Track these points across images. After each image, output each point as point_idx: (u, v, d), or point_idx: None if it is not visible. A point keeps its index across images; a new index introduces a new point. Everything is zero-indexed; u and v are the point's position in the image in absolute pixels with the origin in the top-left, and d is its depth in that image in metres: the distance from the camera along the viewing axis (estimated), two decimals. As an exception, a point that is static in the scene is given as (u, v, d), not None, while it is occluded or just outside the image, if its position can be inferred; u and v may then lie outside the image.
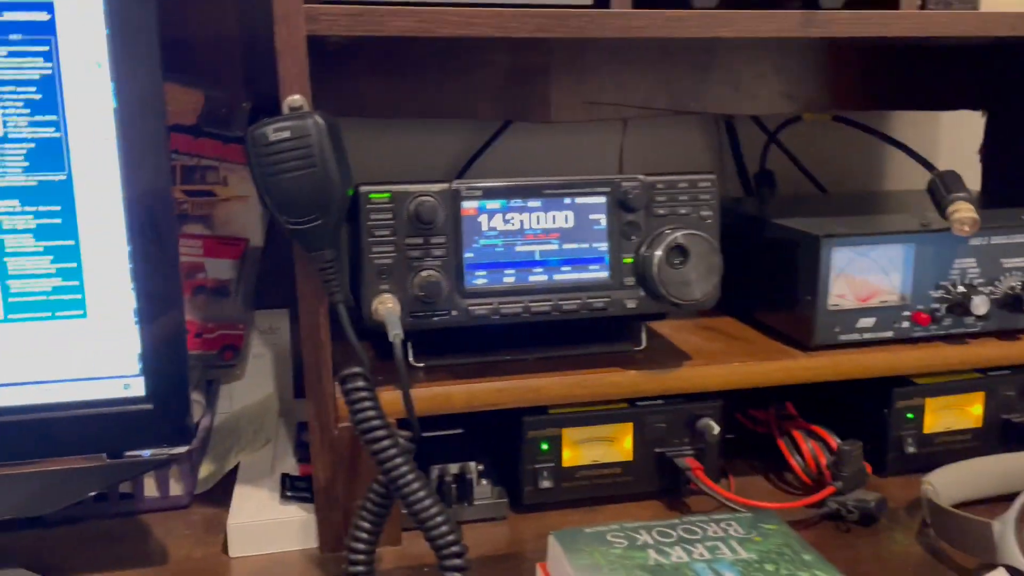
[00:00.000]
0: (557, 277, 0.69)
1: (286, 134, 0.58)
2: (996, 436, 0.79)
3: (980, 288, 0.75)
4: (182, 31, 0.82)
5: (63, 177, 0.56)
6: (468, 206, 0.67)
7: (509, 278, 0.68)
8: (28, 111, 0.55)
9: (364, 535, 0.61)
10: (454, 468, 0.72)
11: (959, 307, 0.75)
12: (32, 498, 0.62)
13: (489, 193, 0.67)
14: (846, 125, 0.95)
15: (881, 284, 0.75)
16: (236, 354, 0.85)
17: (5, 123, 0.55)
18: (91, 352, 0.59)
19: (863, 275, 0.74)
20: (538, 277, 0.68)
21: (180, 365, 0.60)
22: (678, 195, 0.69)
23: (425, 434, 0.62)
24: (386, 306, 0.64)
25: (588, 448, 0.73)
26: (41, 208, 0.56)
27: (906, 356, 0.75)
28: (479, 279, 0.67)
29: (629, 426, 0.74)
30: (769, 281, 0.80)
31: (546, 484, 0.72)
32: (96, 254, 0.58)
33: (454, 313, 0.67)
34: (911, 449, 0.77)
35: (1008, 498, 0.64)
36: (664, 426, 0.74)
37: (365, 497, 0.61)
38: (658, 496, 0.76)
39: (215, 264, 0.82)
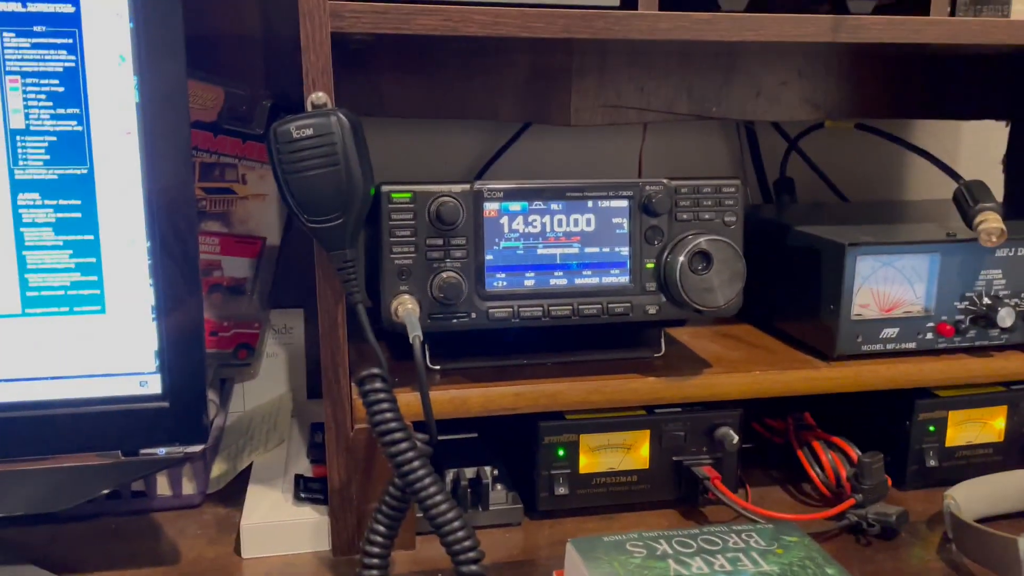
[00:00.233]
0: (578, 281, 0.68)
1: (309, 131, 0.58)
2: (1018, 450, 0.78)
3: (1006, 300, 0.74)
4: (203, 28, 0.82)
5: (84, 171, 0.56)
6: (490, 207, 0.66)
7: (529, 281, 0.67)
8: (51, 104, 0.55)
9: (379, 538, 0.60)
10: (469, 472, 0.72)
11: (984, 319, 0.74)
12: (46, 494, 0.62)
13: (511, 195, 0.66)
14: (868, 133, 0.94)
15: (905, 294, 0.74)
16: (251, 353, 0.85)
17: (27, 116, 0.54)
18: (108, 348, 0.58)
19: (887, 285, 0.73)
20: (558, 281, 0.68)
21: (197, 363, 0.59)
22: (702, 200, 0.68)
23: (440, 437, 0.61)
24: (406, 307, 0.63)
25: (605, 455, 0.72)
26: (62, 202, 0.56)
27: (929, 368, 0.74)
28: (499, 281, 0.67)
29: (646, 433, 0.73)
30: (790, 289, 0.79)
31: (562, 491, 0.71)
32: (115, 249, 0.57)
33: (473, 315, 0.66)
34: (932, 462, 0.76)
35: (1033, 514, 0.63)
36: (682, 434, 0.73)
37: (381, 500, 0.60)
38: (675, 505, 0.75)
39: (232, 262, 0.82)
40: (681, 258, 0.66)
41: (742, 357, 0.76)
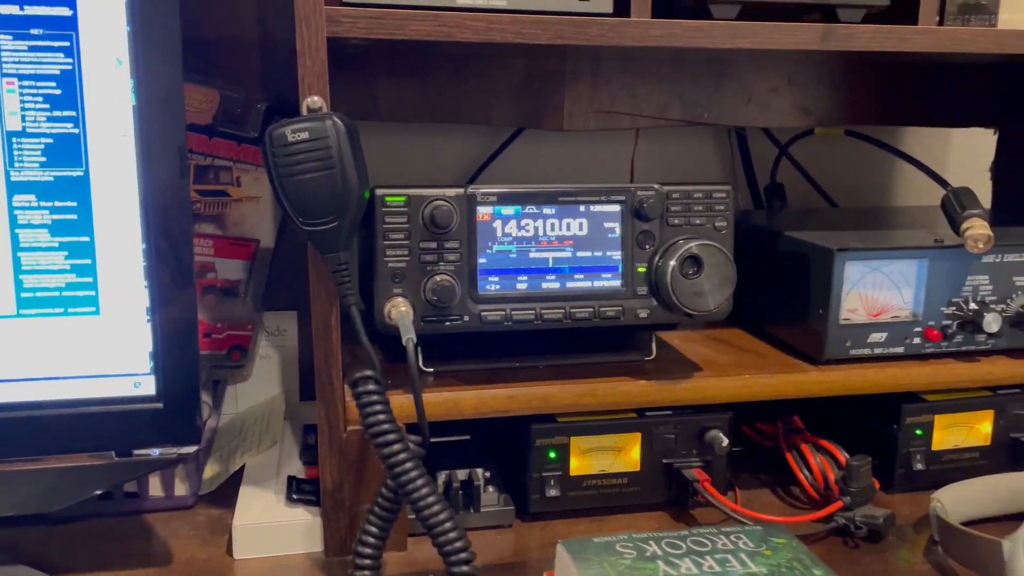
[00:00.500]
0: (570, 285, 0.68)
1: (304, 135, 0.58)
2: (1004, 455, 0.79)
3: (992, 306, 0.75)
4: (199, 31, 0.82)
5: (80, 173, 0.56)
6: (483, 211, 0.67)
7: (522, 284, 0.68)
8: (47, 106, 0.55)
9: (372, 539, 0.61)
10: (461, 474, 0.72)
11: (971, 324, 0.75)
12: (39, 495, 0.62)
13: (504, 199, 0.67)
14: (858, 140, 0.95)
15: (893, 299, 0.74)
16: (244, 355, 0.85)
17: (24, 118, 0.55)
18: (103, 349, 0.59)
19: (875, 290, 0.74)
20: (551, 284, 0.68)
21: (191, 365, 0.60)
22: (693, 205, 0.69)
23: (433, 440, 0.62)
24: (399, 310, 0.64)
25: (596, 457, 0.73)
26: (57, 204, 0.56)
27: (916, 372, 0.75)
28: (492, 285, 0.67)
29: (637, 436, 0.73)
30: (780, 294, 0.80)
31: (553, 493, 0.72)
32: (111, 251, 0.57)
33: (466, 318, 0.67)
34: (919, 466, 0.77)
35: (1017, 517, 0.64)
36: (672, 437, 0.74)
37: (373, 501, 0.61)
38: (665, 507, 0.75)
39: (225, 264, 0.82)
40: (672, 262, 0.67)
41: (732, 361, 0.76)
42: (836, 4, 0.68)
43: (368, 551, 0.61)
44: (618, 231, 0.69)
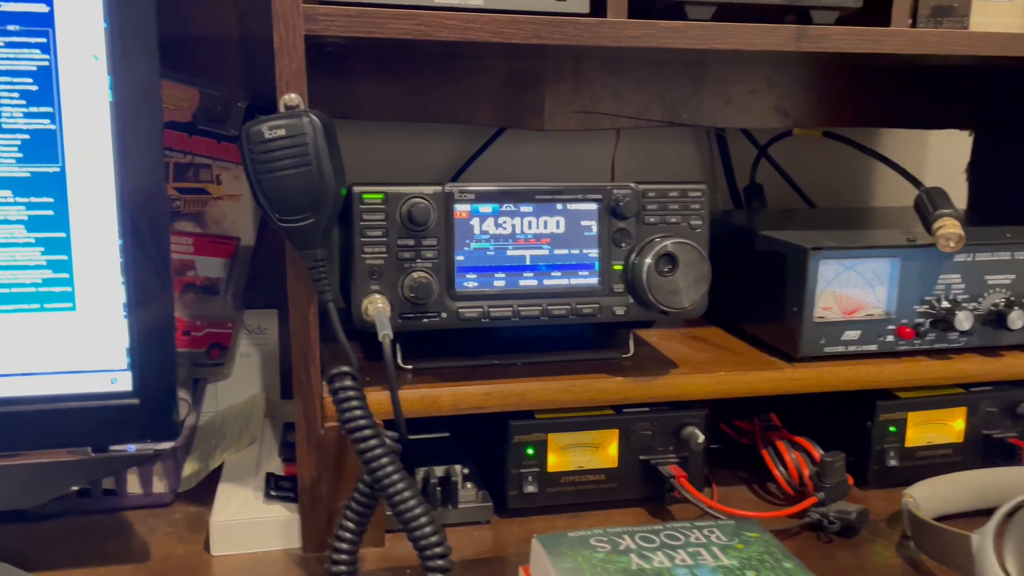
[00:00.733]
0: (547, 282, 0.69)
1: (281, 132, 0.58)
2: (977, 451, 0.80)
3: (964, 304, 0.76)
4: (179, 29, 0.82)
5: (57, 169, 0.56)
6: (460, 209, 0.67)
7: (499, 282, 0.68)
8: (24, 102, 0.55)
9: (348, 535, 0.61)
10: (439, 471, 0.73)
11: (943, 322, 0.76)
12: (16, 491, 0.62)
13: (481, 197, 0.67)
14: (836, 141, 0.96)
15: (867, 298, 0.75)
16: (224, 353, 0.85)
17: (0, 113, 0.55)
18: (79, 345, 0.59)
19: (849, 288, 0.75)
20: (528, 282, 0.69)
21: (168, 361, 0.60)
22: (669, 204, 0.70)
23: (411, 436, 0.62)
24: (376, 306, 0.64)
25: (573, 454, 0.73)
26: (33, 199, 0.56)
27: (890, 370, 0.76)
28: (469, 282, 0.68)
29: (614, 433, 0.74)
30: (756, 292, 0.80)
31: (531, 489, 0.72)
32: (87, 247, 0.58)
33: (444, 315, 0.67)
34: (893, 462, 0.78)
35: (987, 512, 0.64)
36: (649, 434, 0.74)
37: (350, 497, 0.61)
38: (642, 503, 0.76)
39: (205, 262, 0.82)
40: (648, 260, 0.68)
41: (708, 358, 0.77)
42: (810, 6, 0.69)
43: (345, 547, 0.61)
44: (595, 229, 0.69)
